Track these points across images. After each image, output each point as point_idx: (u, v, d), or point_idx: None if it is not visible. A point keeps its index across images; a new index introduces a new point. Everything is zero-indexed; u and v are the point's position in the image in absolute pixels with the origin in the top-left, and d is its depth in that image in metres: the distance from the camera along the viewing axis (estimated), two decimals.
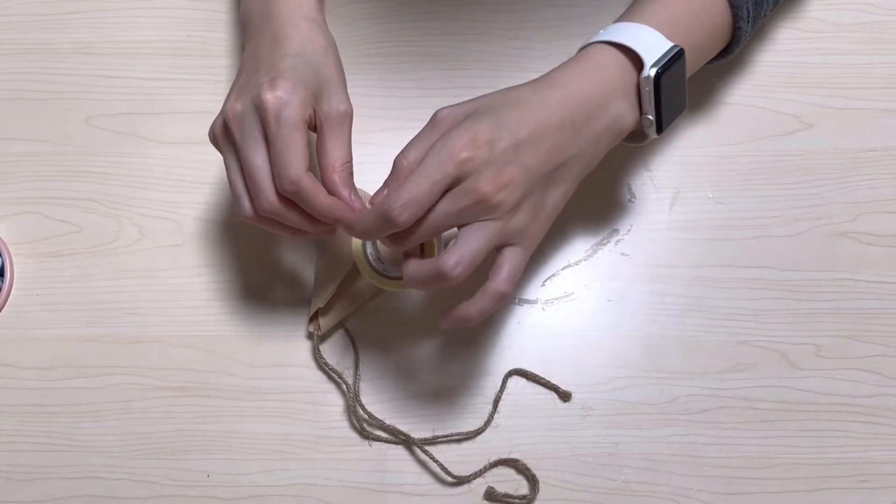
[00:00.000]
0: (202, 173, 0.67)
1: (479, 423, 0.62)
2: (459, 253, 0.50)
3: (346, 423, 0.62)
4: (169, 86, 0.70)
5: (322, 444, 0.62)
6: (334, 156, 0.54)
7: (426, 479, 0.61)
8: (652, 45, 0.54)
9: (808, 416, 0.61)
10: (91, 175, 0.68)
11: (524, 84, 0.54)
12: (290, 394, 0.63)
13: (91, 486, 0.61)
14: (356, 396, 0.62)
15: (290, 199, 0.52)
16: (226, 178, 0.66)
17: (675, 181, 0.67)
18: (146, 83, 0.70)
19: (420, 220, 0.51)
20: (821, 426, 0.61)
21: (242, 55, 0.58)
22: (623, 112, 0.54)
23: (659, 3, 0.57)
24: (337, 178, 0.54)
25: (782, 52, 0.69)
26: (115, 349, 0.64)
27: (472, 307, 0.52)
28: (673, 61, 0.54)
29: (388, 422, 0.61)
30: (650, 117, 0.55)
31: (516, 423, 0.62)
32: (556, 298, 0.64)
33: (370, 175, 0.66)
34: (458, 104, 0.54)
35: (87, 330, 0.64)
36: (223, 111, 0.54)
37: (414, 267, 0.52)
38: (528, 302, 0.64)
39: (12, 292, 0.65)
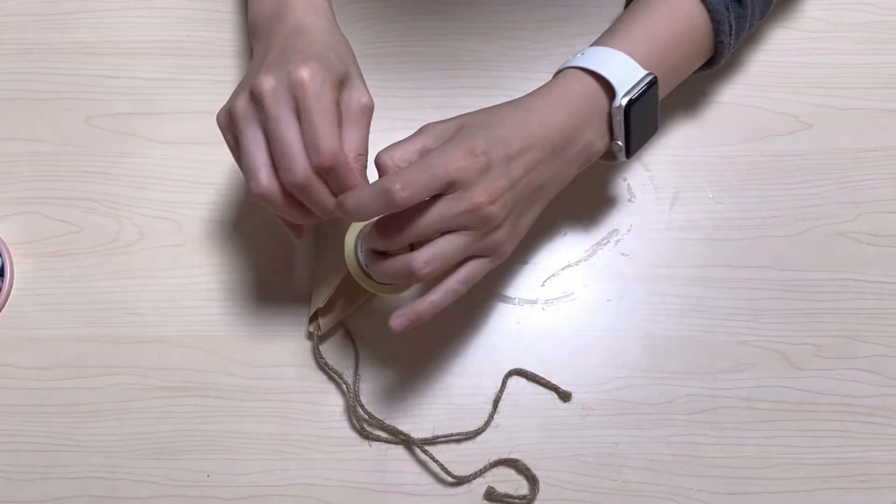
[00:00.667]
0: (202, 173, 0.67)
1: (479, 423, 0.62)
2: (431, 253, 0.51)
3: (346, 423, 0.62)
4: (169, 86, 0.70)
5: (322, 444, 0.62)
6: (350, 147, 0.54)
7: (426, 479, 0.61)
8: (625, 74, 0.55)
9: (808, 416, 0.61)
10: (91, 175, 0.68)
11: (505, 104, 0.56)
12: (290, 394, 0.63)
13: (91, 486, 0.61)
14: (356, 396, 0.62)
15: (323, 174, 0.52)
16: (227, 175, 0.66)
17: (675, 181, 0.67)
18: (146, 83, 0.70)
19: (412, 218, 0.51)
20: (821, 426, 0.61)
21: (255, 53, 0.57)
22: (594, 138, 0.56)
23: (638, 25, 0.58)
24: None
25: (781, 52, 0.69)
26: (115, 349, 0.64)
27: (424, 301, 0.53)
28: (645, 90, 0.55)
29: (388, 422, 0.61)
30: (619, 143, 0.56)
31: (516, 423, 0.62)
32: (556, 298, 0.64)
33: (370, 175, 0.66)
34: (445, 120, 0.55)
35: (86, 330, 0.64)
36: (249, 86, 0.52)
37: (386, 261, 0.53)
38: (528, 302, 0.64)
39: (12, 292, 0.65)
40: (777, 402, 0.62)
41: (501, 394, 0.62)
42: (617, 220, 0.66)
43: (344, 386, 0.62)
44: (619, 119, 0.55)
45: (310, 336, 0.63)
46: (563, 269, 0.65)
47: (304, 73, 0.51)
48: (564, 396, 0.62)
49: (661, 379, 0.62)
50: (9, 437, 0.62)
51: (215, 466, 0.61)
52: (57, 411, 0.63)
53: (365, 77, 0.68)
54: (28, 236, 0.67)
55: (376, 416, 0.61)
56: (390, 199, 0.49)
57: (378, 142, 0.67)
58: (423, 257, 0.51)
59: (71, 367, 0.64)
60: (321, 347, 0.63)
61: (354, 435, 0.62)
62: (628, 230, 0.66)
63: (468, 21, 0.70)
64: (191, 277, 0.65)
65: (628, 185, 0.67)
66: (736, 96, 0.68)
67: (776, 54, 0.69)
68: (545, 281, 0.65)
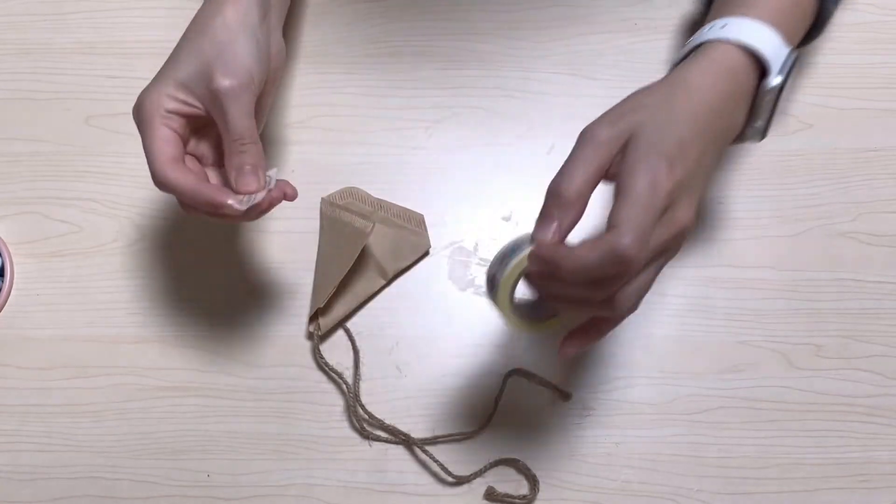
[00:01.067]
0: None
1: (479, 423, 0.62)
2: (638, 296, 0.48)
3: (346, 423, 0.62)
4: None
5: (322, 444, 0.62)
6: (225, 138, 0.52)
7: (426, 479, 0.61)
8: (774, 51, 0.50)
9: (808, 416, 0.61)
10: (91, 175, 0.68)
11: (668, 89, 0.49)
12: (290, 394, 0.63)
13: (91, 486, 0.61)
14: (356, 396, 0.62)
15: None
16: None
17: None
18: (146, 83, 0.70)
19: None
20: (821, 426, 0.61)
21: None
22: (741, 120, 0.52)
23: None
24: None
25: None
26: (115, 349, 0.64)
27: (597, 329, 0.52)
28: (791, 68, 0.51)
29: (388, 422, 0.61)
30: (758, 125, 0.52)
31: (516, 423, 0.62)
32: None
33: (370, 175, 0.66)
34: (606, 123, 0.48)
35: (87, 330, 0.64)
36: None
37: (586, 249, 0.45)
38: None
39: (12, 292, 0.65)
40: (777, 402, 0.62)
41: (501, 394, 0.62)
42: None
43: (344, 386, 0.62)
44: (768, 100, 0.51)
45: (310, 336, 0.63)
46: None
47: (135, 108, 0.55)
48: (564, 396, 0.62)
49: (661, 379, 0.62)
50: (9, 437, 0.62)
51: (215, 466, 0.61)
52: (57, 411, 0.63)
53: (365, 77, 0.68)
54: (28, 236, 0.67)
55: (376, 416, 0.61)
56: (624, 260, 0.44)
57: (378, 141, 0.67)
58: (631, 302, 0.48)
59: (71, 367, 0.64)
60: (321, 347, 0.63)
61: (354, 435, 0.62)
62: None
63: (469, 21, 0.70)
64: (191, 277, 0.65)
65: None
66: None
67: None
68: None
